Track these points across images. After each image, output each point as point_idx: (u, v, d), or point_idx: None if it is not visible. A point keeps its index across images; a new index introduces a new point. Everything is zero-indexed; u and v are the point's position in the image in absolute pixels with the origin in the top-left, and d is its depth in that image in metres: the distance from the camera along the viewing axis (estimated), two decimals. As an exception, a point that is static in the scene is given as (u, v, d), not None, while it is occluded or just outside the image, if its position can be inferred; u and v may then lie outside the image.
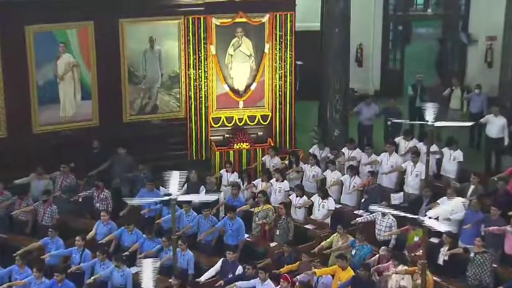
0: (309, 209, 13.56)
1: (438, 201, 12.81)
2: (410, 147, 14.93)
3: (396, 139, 15.28)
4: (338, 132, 16.41)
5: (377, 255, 11.55)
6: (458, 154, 14.51)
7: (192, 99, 15.88)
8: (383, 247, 11.70)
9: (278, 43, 15.93)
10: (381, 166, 14.52)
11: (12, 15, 14.20)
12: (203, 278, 11.45)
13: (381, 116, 17.03)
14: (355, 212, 13.49)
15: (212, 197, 11.76)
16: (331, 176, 14.24)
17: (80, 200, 13.62)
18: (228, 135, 16.15)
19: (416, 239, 11.94)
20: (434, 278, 10.95)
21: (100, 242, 12.22)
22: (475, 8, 20.22)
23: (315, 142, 16.47)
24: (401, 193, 14.00)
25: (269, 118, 16.31)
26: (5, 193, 13.43)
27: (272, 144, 16.00)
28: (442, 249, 11.76)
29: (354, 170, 14.01)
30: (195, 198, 12.06)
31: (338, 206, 13.65)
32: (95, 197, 13.61)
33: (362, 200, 13.74)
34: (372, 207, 11.86)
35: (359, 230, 12.01)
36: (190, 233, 12.68)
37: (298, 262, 11.53)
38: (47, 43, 14.64)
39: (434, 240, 12.12)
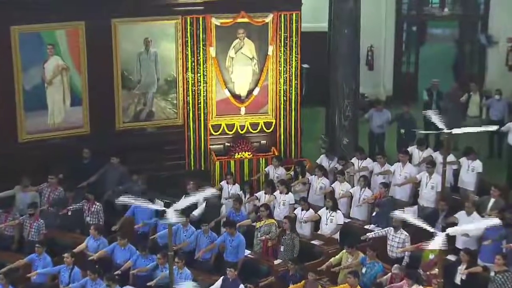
0: (316, 223, 13.54)
1: (455, 215, 12.78)
2: (425, 157, 14.91)
3: (410, 148, 15.26)
4: (347, 140, 16.39)
5: (390, 274, 11.51)
6: (477, 165, 14.47)
7: (190, 105, 15.89)
8: (395, 265, 11.67)
9: (282, 45, 15.94)
10: (394, 177, 14.49)
11: (-4, 15, 14.25)
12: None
13: (393, 124, 17.01)
14: (365, 226, 13.46)
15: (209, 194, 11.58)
16: (340, 188, 14.23)
17: (69, 214, 13.61)
18: (228, 144, 16.14)
19: (431, 256, 11.89)
20: (451, 298, 10.91)
21: (90, 259, 12.18)
22: (496, 8, 20.24)
23: (322, 151, 16.46)
24: (415, 207, 13.97)
25: (273, 126, 16.31)
26: (-12, 206, 13.44)
27: (276, 154, 15.98)
28: (459, 267, 11.72)
29: (364, 182, 13.97)
30: (195, 212, 12.01)
31: (347, 220, 13.63)
32: (86, 210, 13.60)
33: (373, 214, 13.70)
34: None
35: (370, 247, 11.97)
36: (188, 250, 12.66)
37: (303, 281, 11.48)
38: (34, 45, 14.66)
39: (451, 257, 12.08)
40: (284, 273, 11.98)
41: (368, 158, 15.10)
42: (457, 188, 14.72)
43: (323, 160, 15.35)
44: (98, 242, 12.53)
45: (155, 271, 11.88)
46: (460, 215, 12.76)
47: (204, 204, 13.67)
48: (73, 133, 15.25)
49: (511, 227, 12.32)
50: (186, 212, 12.23)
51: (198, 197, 10.84)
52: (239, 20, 15.64)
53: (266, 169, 15.40)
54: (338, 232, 13.24)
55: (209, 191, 10.52)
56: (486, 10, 20.56)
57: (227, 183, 14.55)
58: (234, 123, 16.18)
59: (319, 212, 13.44)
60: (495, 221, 10.43)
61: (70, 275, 11.70)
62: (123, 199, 13.78)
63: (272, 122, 16.31)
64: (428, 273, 11.65)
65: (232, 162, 15.76)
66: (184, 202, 10.05)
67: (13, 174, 14.07)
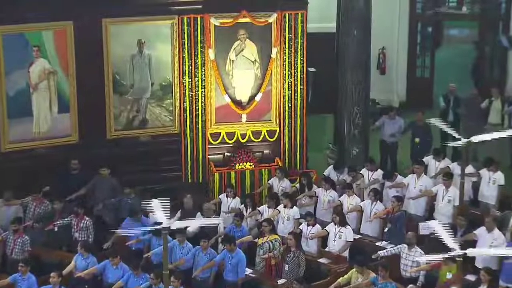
0: (323, 240, 13.51)
1: (474, 232, 12.75)
2: (442, 168, 14.91)
3: (425, 159, 15.26)
4: (357, 150, 16.40)
5: (403, 295, 11.48)
6: (499, 177, 14.45)
7: (187, 112, 15.90)
8: (410, 286, 11.64)
9: (287, 47, 15.96)
10: (408, 190, 14.48)
11: (-23, 15, 14.30)
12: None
13: (407, 132, 17.01)
14: (377, 243, 13.44)
15: (211, 221, 11.68)
16: (349, 201, 14.22)
17: (56, 229, 13.58)
18: (229, 154, 16.15)
19: (449, 276, 11.86)
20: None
21: (78, 275, 12.17)
22: (518, 7, 20.30)
23: (330, 162, 16.45)
24: (431, 222, 13.90)
25: (276, 134, 16.32)
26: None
27: (280, 165, 15.98)
28: (479, 288, 11.69)
29: (375, 195, 13.97)
30: (192, 224, 12.00)
31: (357, 236, 13.61)
32: (74, 226, 13.59)
33: (385, 230, 13.68)
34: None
35: (382, 265, 11.95)
36: (184, 268, 12.63)
37: (310, 303, 11.47)
38: (18, 47, 14.68)
39: (470, 277, 12.05)
40: (288, 293, 11.96)
41: (379, 170, 15.09)
42: (477, 202, 14.70)
43: (331, 171, 15.35)
44: (87, 261, 12.49)
45: (149, 292, 11.85)
46: (480, 231, 12.73)
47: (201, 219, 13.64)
48: (60, 142, 15.24)
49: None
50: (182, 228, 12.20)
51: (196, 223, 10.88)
52: (240, 20, 15.66)
53: (269, 181, 15.40)
54: (347, 250, 13.22)
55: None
56: (507, 9, 20.59)
57: (227, 196, 14.54)
58: (234, 132, 16.18)
59: (326, 228, 13.42)
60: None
61: (57, 296, 11.67)
62: (114, 214, 13.94)
63: (276, 130, 16.31)
64: (445, 294, 11.62)
65: (232, 174, 15.75)
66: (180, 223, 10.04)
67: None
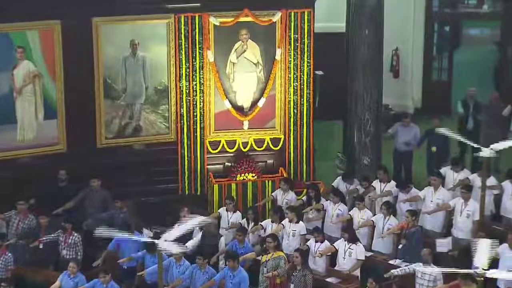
0: (332, 257, 13.52)
1: (496, 249, 12.72)
2: (460, 179, 14.91)
3: (442, 170, 15.26)
4: (369, 160, 16.42)
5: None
6: (523, 189, 14.51)
7: (185, 119, 15.93)
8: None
9: (292, 48, 16.00)
10: (424, 203, 14.48)
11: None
12: None
13: (423, 141, 17.01)
14: (390, 262, 13.44)
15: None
16: (360, 215, 14.22)
17: (42, 246, 13.58)
18: (229, 164, 16.18)
19: (468, 296, 11.84)
20: None
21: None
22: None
23: (339, 172, 16.45)
24: (449, 238, 13.93)
25: (281, 143, 16.34)
26: None
27: (285, 176, 15.99)
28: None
29: (388, 209, 13.96)
30: (189, 243, 12.04)
31: (368, 254, 13.61)
32: (61, 242, 13.60)
33: (400, 247, 13.67)
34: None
35: (395, 285, 11.92)
36: (181, 288, 12.64)
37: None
38: (1, 48, 14.70)
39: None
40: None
41: (392, 181, 15.08)
42: (499, 217, 14.69)
43: (339, 183, 15.35)
44: (75, 280, 12.49)
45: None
46: (502, 249, 12.72)
47: (200, 235, 13.63)
48: (46, 151, 15.25)
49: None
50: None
51: (193, 225, 10.87)
52: (242, 19, 15.69)
53: (273, 193, 15.40)
54: (358, 268, 13.20)
55: (203, 219, 10.52)
56: (532, 7, 20.63)
57: (227, 210, 14.55)
58: (235, 140, 16.21)
59: (335, 244, 13.43)
60: None
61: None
62: (105, 230, 13.95)
63: (280, 139, 16.33)
64: (464, 317, 11.59)
65: (233, 186, 15.76)
66: (176, 232, 10.04)
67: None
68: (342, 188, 15.12)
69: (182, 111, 15.89)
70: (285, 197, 15.06)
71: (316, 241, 13.46)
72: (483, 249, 9.62)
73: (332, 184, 15.45)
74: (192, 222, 10.48)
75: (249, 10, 15.63)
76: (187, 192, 16.13)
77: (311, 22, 15.97)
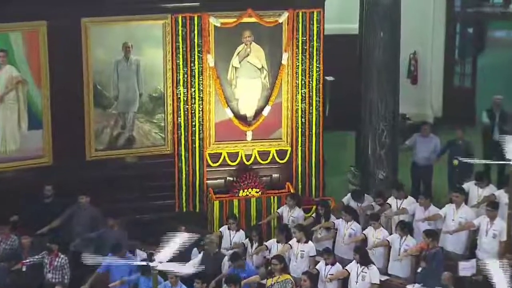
0: (344, 282, 13.47)
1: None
2: (485, 196, 14.85)
3: (466, 185, 15.21)
4: (384, 174, 16.41)
5: None
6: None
7: (182, 129, 15.95)
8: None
9: (300, 51, 16.02)
10: (445, 222, 14.42)
11: None
12: None
13: (443, 153, 16.99)
14: (408, 286, 13.39)
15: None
16: (375, 235, 14.17)
17: (25, 269, 13.54)
18: (231, 178, 16.19)
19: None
20: None
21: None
22: None
23: (351, 188, 16.43)
24: (473, 261, 13.86)
25: (287, 155, 16.36)
26: None
27: (292, 191, 15.98)
28: None
29: (404, 228, 13.93)
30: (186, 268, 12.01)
31: (384, 278, 13.56)
32: (46, 265, 13.56)
33: (419, 270, 13.63)
34: None
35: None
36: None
37: None
38: (-18, 52, 14.80)
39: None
40: None
41: (409, 197, 15.05)
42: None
43: (350, 199, 15.32)
44: (62, 305, 12.51)
45: None
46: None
47: (200, 256, 13.62)
48: (30, 164, 15.25)
49: None
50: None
51: (185, 242, 10.90)
52: (245, 20, 15.73)
53: (278, 210, 15.39)
54: (373, 293, 13.19)
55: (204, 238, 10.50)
56: None
57: (229, 228, 14.53)
58: (238, 152, 16.23)
59: (347, 267, 13.37)
60: None
61: None
62: (94, 251, 13.93)
63: (287, 151, 16.35)
64: None
65: (235, 202, 15.77)
66: (169, 251, 10.04)
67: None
68: (353, 205, 15.07)
69: (179, 120, 15.91)
70: (291, 214, 15.05)
71: (327, 264, 13.41)
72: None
73: (342, 200, 15.41)
74: (183, 238, 10.46)
75: (253, 10, 15.66)
76: (184, 209, 16.15)
77: (321, 23, 16.00)
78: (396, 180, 16.19)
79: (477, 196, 15.00)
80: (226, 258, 13.86)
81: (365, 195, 15.43)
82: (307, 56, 16.03)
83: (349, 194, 15.54)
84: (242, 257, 12.76)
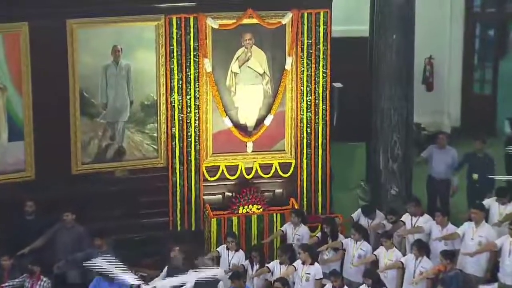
0: (353, 307, 13.47)
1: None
2: (508, 213, 14.82)
3: (486, 202, 15.17)
4: (397, 190, 16.39)
5: None
6: None
7: (177, 140, 15.93)
8: None
9: (305, 55, 16.01)
10: (464, 242, 14.38)
11: None
12: None
13: (462, 166, 16.95)
14: (423, 312, 13.38)
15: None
16: (387, 256, 14.15)
17: (4, 293, 13.55)
18: (230, 194, 16.19)
19: None
20: None
21: None
22: None
23: (361, 204, 16.39)
24: (495, 285, 13.88)
25: (291, 168, 16.35)
26: None
27: (296, 207, 15.94)
28: None
29: (420, 248, 13.87)
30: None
31: (397, 303, 13.56)
32: (28, 288, 13.54)
33: (435, 294, 13.62)
34: None
35: None
36: None
37: None
38: (-43, 56, 14.81)
39: None
40: None
41: (425, 215, 15.00)
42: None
43: (360, 216, 15.30)
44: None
45: None
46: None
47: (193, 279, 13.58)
48: (11, 178, 15.23)
49: None
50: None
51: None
52: (245, 21, 15.72)
53: (282, 228, 15.34)
54: (385, 320, 13.17)
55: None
56: None
57: (228, 248, 14.53)
58: (237, 165, 16.23)
59: (357, 291, 13.38)
60: None
61: None
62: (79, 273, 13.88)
63: (291, 164, 16.34)
64: None
65: (234, 220, 15.74)
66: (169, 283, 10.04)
67: None
68: (363, 223, 15.04)
69: (173, 130, 15.90)
70: (296, 232, 15.04)
71: (334, 287, 13.36)
72: None
73: (351, 216, 15.36)
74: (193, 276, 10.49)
75: (254, 10, 15.64)
76: (179, 228, 16.14)
77: (328, 24, 15.98)
78: (412, 195, 16.11)
79: (499, 214, 14.99)
80: (221, 283, 13.82)
81: (377, 211, 15.39)
82: (313, 61, 16.01)
83: (359, 210, 15.49)
84: (242, 277, 12.72)
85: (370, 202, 16.21)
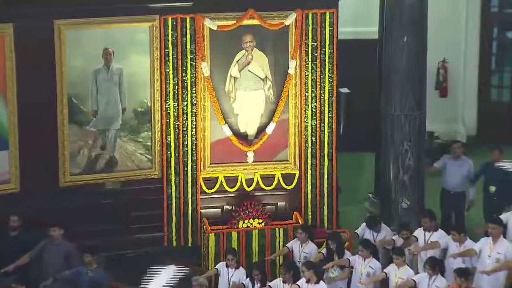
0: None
1: None
2: (527, 228, 14.80)
3: (504, 216, 15.15)
4: (408, 203, 16.34)
5: None
6: None
7: (172, 149, 15.94)
8: None
9: (310, 59, 16.02)
10: (481, 259, 14.34)
11: None
12: None
13: (478, 178, 16.91)
14: (437, 334, 13.34)
15: None
16: (398, 274, 14.10)
17: (-13, 314, 13.56)
18: (229, 207, 16.17)
19: None
20: None
21: None
22: None
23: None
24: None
25: (295, 180, 16.35)
26: None
27: (300, 222, 15.92)
28: None
29: (434, 266, 13.81)
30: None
31: (409, 324, 13.51)
32: (12, 309, 13.54)
33: (450, 315, 13.58)
34: None
35: None
36: None
37: None
38: None
39: None
40: None
41: (440, 230, 14.94)
42: None
43: (365, 231, 15.27)
44: None
45: None
46: None
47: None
48: (-5, 191, 15.26)
49: None
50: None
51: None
52: (246, 22, 15.73)
53: (288, 244, 15.30)
54: None
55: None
56: None
57: (227, 266, 14.50)
58: (237, 176, 16.23)
59: (366, 312, 13.35)
60: None
61: None
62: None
63: (295, 175, 16.34)
64: None
65: (234, 235, 15.72)
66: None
67: None
68: (368, 236, 15.04)
69: (168, 139, 15.91)
70: (303, 250, 15.00)
71: (341, 308, 13.39)
72: None
73: (356, 231, 15.33)
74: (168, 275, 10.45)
75: (255, 10, 15.66)
76: (175, 244, 16.15)
77: (334, 25, 16.00)
78: (424, 208, 16.06)
79: (517, 229, 14.96)
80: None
81: (382, 224, 15.35)
82: (318, 65, 16.02)
83: (363, 224, 15.43)
84: None
85: (380, 216, 16.13)
